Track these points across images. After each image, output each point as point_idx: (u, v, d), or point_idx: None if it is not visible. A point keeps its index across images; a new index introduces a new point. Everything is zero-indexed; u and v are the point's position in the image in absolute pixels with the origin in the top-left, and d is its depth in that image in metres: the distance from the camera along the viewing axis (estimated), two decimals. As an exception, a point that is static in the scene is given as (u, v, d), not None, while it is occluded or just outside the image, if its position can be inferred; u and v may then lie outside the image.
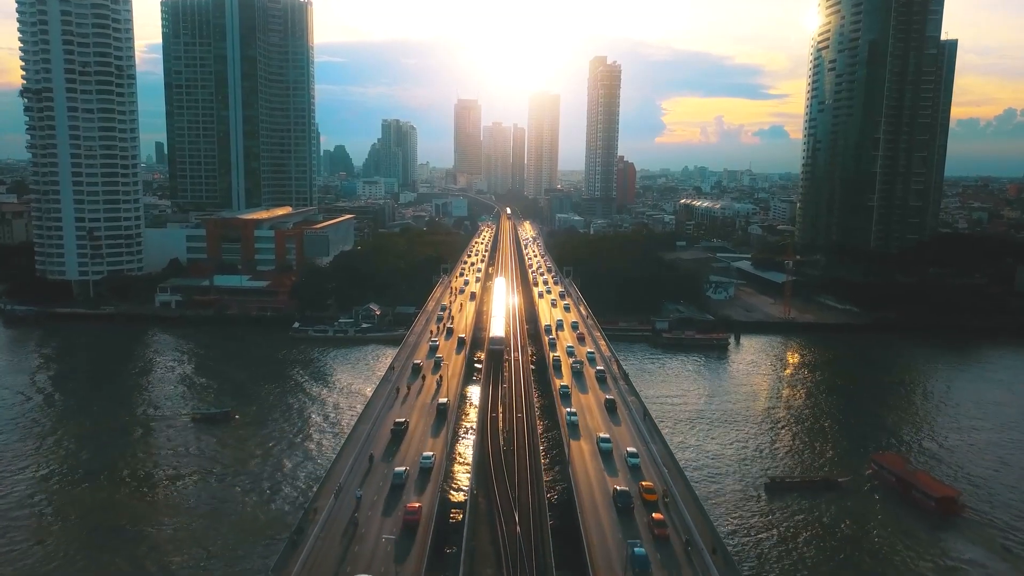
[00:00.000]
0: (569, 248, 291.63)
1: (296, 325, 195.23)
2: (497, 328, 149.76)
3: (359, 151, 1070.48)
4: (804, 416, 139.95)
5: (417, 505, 67.78)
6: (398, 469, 75.69)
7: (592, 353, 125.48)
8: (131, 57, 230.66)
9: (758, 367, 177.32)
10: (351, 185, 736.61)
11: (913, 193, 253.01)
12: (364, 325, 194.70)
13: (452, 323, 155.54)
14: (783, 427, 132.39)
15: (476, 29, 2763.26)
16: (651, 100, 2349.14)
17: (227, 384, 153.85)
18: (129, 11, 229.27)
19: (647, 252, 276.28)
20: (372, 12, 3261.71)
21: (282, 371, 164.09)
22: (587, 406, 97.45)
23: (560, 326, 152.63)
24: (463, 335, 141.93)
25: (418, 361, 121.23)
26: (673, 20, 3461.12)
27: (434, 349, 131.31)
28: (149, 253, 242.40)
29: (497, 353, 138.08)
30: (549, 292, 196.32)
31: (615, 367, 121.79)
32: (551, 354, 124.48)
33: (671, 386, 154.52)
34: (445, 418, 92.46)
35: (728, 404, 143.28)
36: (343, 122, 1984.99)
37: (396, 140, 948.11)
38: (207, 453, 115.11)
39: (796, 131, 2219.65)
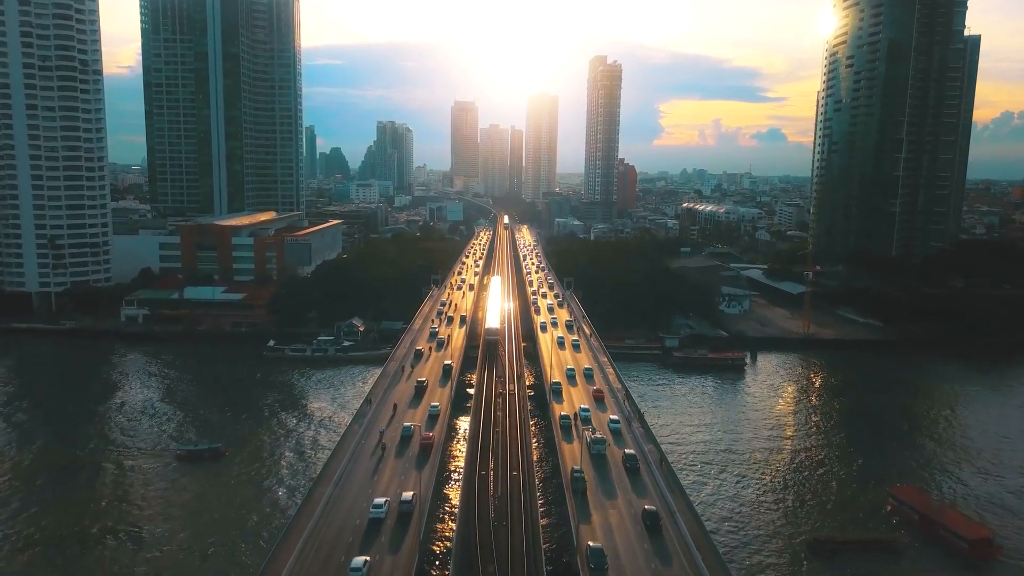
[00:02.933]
0: (569, 256, 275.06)
1: (271, 343, 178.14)
2: (493, 321, 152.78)
3: (357, 154, 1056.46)
4: (837, 453, 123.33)
5: (430, 434, 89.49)
6: (406, 424, 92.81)
7: (616, 422, 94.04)
8: (97, 52, 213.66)
9: (779, 392, 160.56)
10: (344, 188, 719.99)
11: (937, 198, 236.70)
12: (346, 343, 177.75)
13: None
14: (815, 467, 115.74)
15: (474, 31, 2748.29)
16: (649, 103, 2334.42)
17: (204, 413, 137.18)
18: (95, 3, 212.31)
19: (652, 260, 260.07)
20: (371, 15, 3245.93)
21: (265, 397, 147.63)
22: (627, 556, 63.29)
23: (572, 378, 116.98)
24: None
25: (420, 347, 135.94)
26: (671, 23, 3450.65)
27: (434, 334, 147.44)
28: (119, 262, 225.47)
29: (492, 343, 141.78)
30: (555, 325, 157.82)
31: (637, 423, 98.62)
32: (566, 455, 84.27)
33: (687, 416, 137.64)
34: (450, 375, 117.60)
35: (751, 439, 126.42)
36: (341, 125, 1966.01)
37: (392, 142, 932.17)
38: (191, 502, 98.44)
39: (794, 134, 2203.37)
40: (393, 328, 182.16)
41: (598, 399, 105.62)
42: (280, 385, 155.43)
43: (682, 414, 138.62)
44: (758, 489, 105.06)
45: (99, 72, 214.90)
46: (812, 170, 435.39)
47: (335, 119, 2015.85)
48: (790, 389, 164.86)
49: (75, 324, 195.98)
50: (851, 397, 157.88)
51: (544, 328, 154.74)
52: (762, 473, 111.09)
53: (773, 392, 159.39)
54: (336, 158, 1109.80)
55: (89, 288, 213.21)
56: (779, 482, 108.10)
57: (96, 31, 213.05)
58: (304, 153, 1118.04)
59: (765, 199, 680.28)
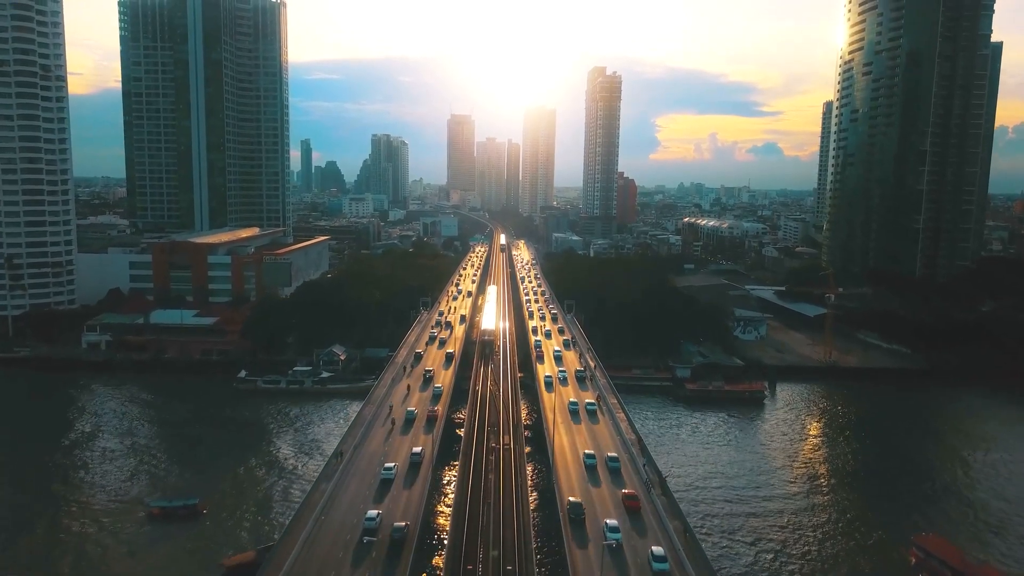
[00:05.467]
0: (569, 274, 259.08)
1: (242, 374, 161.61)
2: (488, 322, 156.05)
3: (353, 167, 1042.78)
4: (869, 506, 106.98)
5: (436, 408, 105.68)
6: (410, 409, 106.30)
7: (662, 560, 63.01)
8: (60, 56, 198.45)
9: (803, 430, 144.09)
10: (338, 202, 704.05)
11: (963, 213, 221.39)
12: (324, 374, 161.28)
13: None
14: (850, 526, 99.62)
15: (471, 46, 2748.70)
16: (645, 117, 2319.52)
17: (176, 458, 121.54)
18: (58, 2, 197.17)
19: (657, 278, 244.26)
20: (368, 30, 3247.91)
21: (242, 438, 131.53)
22: None
23: (592, 470, 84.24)
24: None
25: (420, 351, 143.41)
26: (667, 38, 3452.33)
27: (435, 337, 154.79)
28: (87, 283, 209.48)
29: (488, 344, 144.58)
30: (564, 380, 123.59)
31: (659, 490, 78.88)
32: None
33: (705, 463, 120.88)
34: (452, 361, 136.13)
35: (780, 495, 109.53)
36: (339, 139, 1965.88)
37: (387, 156, 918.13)
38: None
39: (790, 148, 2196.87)
40: (378, 356, 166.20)
41: (632, 510, 73.34)
42: (257, 423, 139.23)
43: (699, 461, 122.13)
44: (794, 565, 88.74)
45: (62, 78, 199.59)
46: (825, 184, 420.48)
47: (332, 133, 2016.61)
48: (814, 427, 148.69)
49: (30, 352, 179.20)
50: (880, 435, 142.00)
51: (550, 384, 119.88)
52: (797, 540, 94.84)
53: (796, 431, 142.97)
54: (332, 172, 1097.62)
55: (50, 311, 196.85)
56: (815, 553, 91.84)
57: (60, 34, 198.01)
58: (300, 166, 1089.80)
59: (766, 213, 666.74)
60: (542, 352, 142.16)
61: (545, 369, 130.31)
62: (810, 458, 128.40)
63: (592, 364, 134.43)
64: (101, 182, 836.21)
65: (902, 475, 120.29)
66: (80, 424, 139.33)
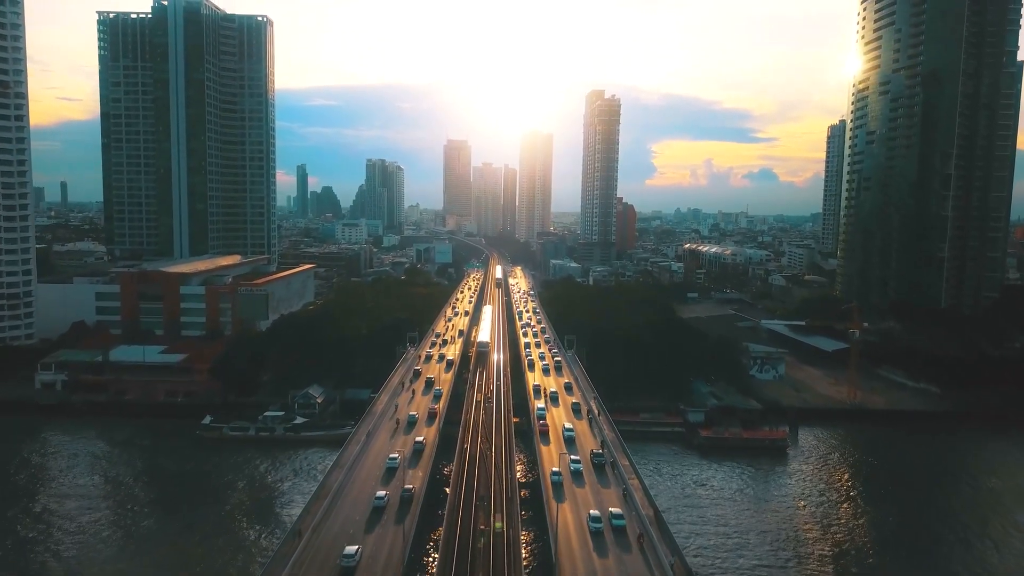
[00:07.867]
0: (567, 304, 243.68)
1: (207, 420, 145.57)
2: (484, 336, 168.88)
3: (350, 193, 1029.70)
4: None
5: (436, 405, 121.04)
6: (411, 413, 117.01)
7: None
8: (20, 72, 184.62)
9: (834, 487, 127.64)
10: (331, 228, 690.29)
11: (990, 241, 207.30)
12: (298, 420, 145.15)
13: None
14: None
15: (469, 72, 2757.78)
16: (641, 143, 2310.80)
17: (140, 526, 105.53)
18: (18, 16, 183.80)
19: (662, 309, 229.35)
20: (368, 56, 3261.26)
21: (213, 497, 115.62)
22: None
23: None
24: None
25: (418, 368, 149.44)
26: (663, 65, 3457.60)
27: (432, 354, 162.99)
28: (49, 316, 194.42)
29: (483, 354, 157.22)
30: (578, 475, 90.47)
31: None
32: None
33: (730, 532, 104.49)
34: (452, 366, 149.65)
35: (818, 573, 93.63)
36: (336, 164, 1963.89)
37: (382, 181, 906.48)
38: None
39: (785, 174, 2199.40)
40: (359, 398, 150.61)
41: None
42: (225, 479, 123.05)
43: (722, 528, 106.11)
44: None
45: (22, 95, 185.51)
46: (831, 209, 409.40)
47: (329, 158, 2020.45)
48: (845, 481, 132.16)
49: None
50: (920, 491, 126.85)
51: (559, 485, 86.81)
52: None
53: (826, 487, 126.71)
54: (328, 197, 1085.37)
55: (4, 347, 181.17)
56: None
57: (20, 49, 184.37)
58: (296, 192, 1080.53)
59: (767, 239, 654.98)
60: (547, 426, 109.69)
61: (552, 456, 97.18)
62: (845, 523, 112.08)
63: (597, 414, 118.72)
64: (96, 207, 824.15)
65: (950, 541, 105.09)
66: (20, 478, 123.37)
